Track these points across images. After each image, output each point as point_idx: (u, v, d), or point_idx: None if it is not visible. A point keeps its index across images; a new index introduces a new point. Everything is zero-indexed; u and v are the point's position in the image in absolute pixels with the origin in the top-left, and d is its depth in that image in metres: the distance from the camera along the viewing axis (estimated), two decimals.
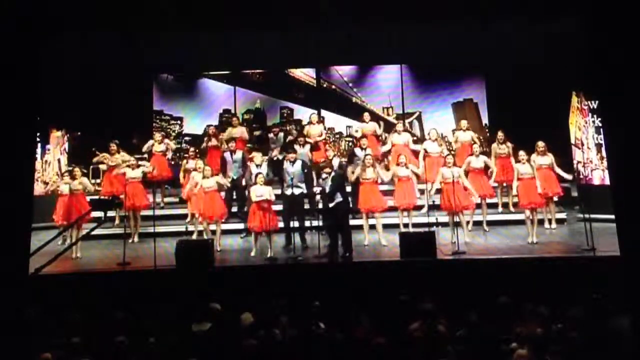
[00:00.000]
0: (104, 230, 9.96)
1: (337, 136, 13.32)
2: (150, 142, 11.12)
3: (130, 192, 9.74)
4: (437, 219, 9.64)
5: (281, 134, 11.73)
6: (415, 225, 9.69)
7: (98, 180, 11.29)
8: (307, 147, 10.81)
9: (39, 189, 10.73)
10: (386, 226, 9.55)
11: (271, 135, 11.68)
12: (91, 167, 11.32)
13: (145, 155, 11.25)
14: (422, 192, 10.14)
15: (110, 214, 10.35)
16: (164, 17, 9.83)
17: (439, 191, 9.58)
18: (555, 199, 9.79)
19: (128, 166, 10.12)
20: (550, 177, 9.48)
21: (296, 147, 10.59)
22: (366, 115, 11.66)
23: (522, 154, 9.41)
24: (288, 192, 9.45)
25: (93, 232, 7.68)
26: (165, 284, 7.82)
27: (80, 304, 6.79)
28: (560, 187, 9.66)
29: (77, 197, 9.45)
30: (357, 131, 11.51)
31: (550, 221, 9.80)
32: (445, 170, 9.36)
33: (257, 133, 12.45)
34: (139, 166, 10.21)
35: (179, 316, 6.49)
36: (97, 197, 9.95)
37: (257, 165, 9.77)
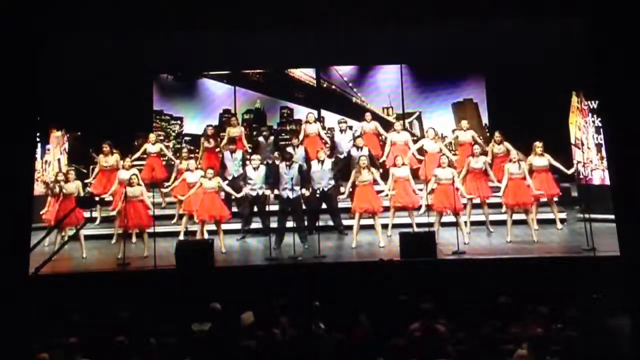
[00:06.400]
0: (106, 230, 10.09)
1: None
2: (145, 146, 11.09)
3: (206, 204, 9.39)
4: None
5: (272, 138, 11.56)
6: (415, 225, 9.67)
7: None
8: (302, 149, 10.45)
9: (39, 189, 10.70)
10: (385, 226, 9.58)
11: (261, 138, 11.44)
12: (91, 166, 11.30)
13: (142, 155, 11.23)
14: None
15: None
16: (164, 17, 9.82)
17: (432, 191, 9.56)
18: (555, 199, 9.75)
19: (203, 176, 9.58)
20: (547, 179, 9.47)
21: (290, 150, 10.29)
22: (368, 115, 11.64)
23: (514, 153, 9.40)
24: (284, 194, 9.45)
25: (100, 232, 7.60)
26: (165, 284, 7.82)
27: (80, 304, 6.79)
28: (557, 188, 9.64)
29: (69, 200, 9.40)
30: (355, 130, 11.45)
31: (556, 221, 9.72)
32: (439, 171, 9.34)
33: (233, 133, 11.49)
34: (216, 175, 9.66)
35: (179, 316, 6.49)
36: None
37: (254, 169, 9.77)
